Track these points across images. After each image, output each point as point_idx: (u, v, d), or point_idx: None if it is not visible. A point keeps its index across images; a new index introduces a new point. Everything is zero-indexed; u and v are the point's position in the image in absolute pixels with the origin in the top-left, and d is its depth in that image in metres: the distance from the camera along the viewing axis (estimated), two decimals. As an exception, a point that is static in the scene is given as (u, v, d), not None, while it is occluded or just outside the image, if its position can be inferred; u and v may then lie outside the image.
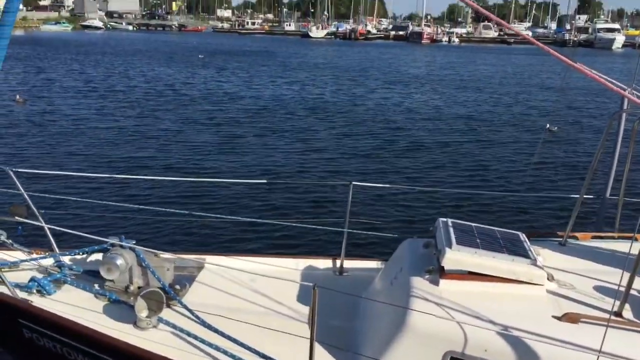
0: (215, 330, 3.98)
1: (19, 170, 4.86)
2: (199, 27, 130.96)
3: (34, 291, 4.37)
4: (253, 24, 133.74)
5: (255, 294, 4.72)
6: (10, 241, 4.79)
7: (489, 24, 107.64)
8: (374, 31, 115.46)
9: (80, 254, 4.89)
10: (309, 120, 19.85)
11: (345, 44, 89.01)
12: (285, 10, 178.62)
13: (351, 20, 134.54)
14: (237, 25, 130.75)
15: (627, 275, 3.48)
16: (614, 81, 4.87)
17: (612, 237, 4.99)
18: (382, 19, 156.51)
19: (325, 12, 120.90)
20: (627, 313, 3.56)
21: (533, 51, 63.31)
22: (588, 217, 7.58)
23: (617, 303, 3.50)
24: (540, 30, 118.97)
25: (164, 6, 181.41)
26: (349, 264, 5.41)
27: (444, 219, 4.48)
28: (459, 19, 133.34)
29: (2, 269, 4.29)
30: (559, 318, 3.50)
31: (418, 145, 16.26)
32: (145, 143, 15.37)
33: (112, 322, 4.14)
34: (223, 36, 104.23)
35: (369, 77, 36.65)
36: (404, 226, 9.46)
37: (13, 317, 4.17)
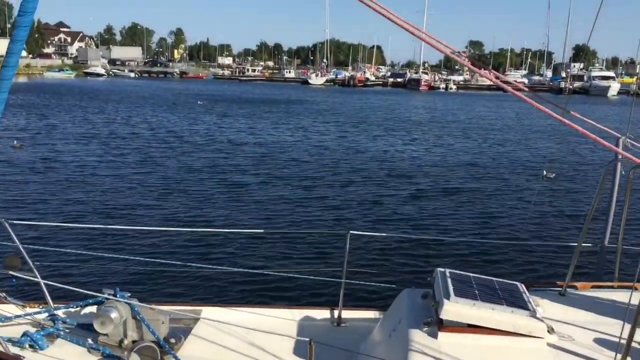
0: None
1: (14, 222, 4.84)
2: (200, 74, 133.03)
3: (27, 346, 4.29)
4: (254, 71, 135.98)
5: (251, 347, 4.64)
6: (4, 294, 4.74)
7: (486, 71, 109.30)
8: (373, 78, 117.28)
9: (75, 307, 4.83)
10: (308, 167, 19.93)
11: (344, 90, 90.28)
12: (285, 58, 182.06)
13: (350, 68, 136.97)
14: (237, 73, 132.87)
15: (627, 327, 3.43)
16: (608, 130, 4.93)
17: (612, 287, 4.95)
18: (381, 67, 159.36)
19: (325, 60, 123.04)
20: None
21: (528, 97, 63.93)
22: (587, 266, 7.55)
23: (619, 357, 3.45)
24: (536, 78, 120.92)
25: (166, 54, 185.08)
26: (347, 314, 5.35)
27: (442, 269, 4.45)
28: (456, 67, 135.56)
29: None
30: (559, 373, 3.44)
31: (416, 193, 16.28)
32: (142, 192, 15.36)
33: None
34: (224, 83, 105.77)
35: (369, 123, 37.05)
36: (402, 275, 9.39)
37: (4, 373, 4.09)
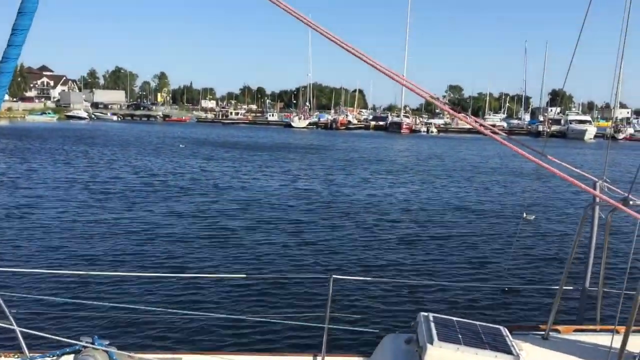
0: None
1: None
2: (183, 117, 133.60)
3: (0, 396, 4.17)
4: (237, 114, 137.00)
5: (232, 397, 4.55)
6: (-22, 343, 4.62)
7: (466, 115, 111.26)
8: (355, 121, 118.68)
9: (51, 356, 4.71)
10: (292, 210, 19.90)
11: (327, 133, 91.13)
12: (268, 101, 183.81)
13: (332, 111, 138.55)
14: (220, 116, 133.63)
15: None
16: (585, 174, 5.03)
17: (594, 330, 4.97)
18: (363, 110, 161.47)
19: (307, 103, 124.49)
20: None
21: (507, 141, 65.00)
22: (569, 309, 7.57)
23: None
24: (515, 122, 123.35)
25: (149, 97, 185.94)
26: None
27: (425, 313, 4.45)
28: (437, 110, 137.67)
29: None
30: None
31: (399, 236, 16.30)
32: (123, 237, 15.16)
33: None
34: (207, 126, 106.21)
35: (355, 166, 37.26)
36: (386, 320, 9.31)
37: None
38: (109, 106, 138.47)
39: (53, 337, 4.11)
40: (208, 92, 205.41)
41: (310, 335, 8.02)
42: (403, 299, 10.60)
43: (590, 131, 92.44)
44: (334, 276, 5.37)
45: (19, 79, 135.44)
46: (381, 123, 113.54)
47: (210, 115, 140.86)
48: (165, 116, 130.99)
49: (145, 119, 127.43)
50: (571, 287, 6.03)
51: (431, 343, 3.90)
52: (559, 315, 4.91)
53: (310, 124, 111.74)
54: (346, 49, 2.52)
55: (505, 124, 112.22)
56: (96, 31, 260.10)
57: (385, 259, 13.62)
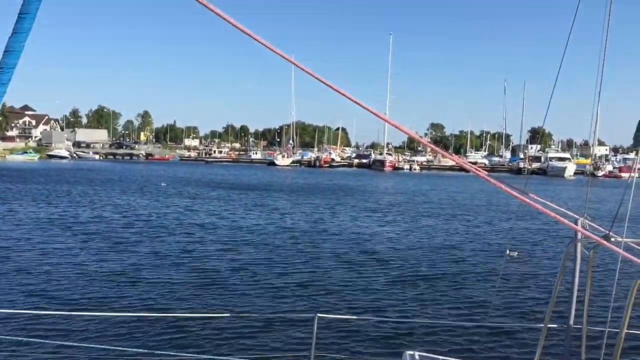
0: None
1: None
2: (166, 156, 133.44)
3: None
4: (220, 152, 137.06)
5: None
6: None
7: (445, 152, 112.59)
8: (338, 159, 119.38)
9: None
10: (276, 249, 19.75)
11: (311, 171, 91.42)
12: (251, 139, 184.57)
13: (316, 149, 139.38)
14: (204, 154, 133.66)
15: None
16: (566, 212, 5.07)
17: None
18: (346, 148, 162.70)
19: (291, 141, 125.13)
20: None
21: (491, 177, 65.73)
22: (555, 347, 7.52)
23: None
24: (496, 159, 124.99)
25: (132, 136, 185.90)
26: None
27: (411, 352, 4.41)
28: (419, 148, 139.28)
29: None
30: None
31: (384, 274, 16.23)
32: (105, 277, 14.90)
33: None
34: (190, 165, 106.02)
35: (338, 204, 37.22)
36: (372, 359, 9.19)
37: None
38: (91, 145, 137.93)
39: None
40: (191, 131, 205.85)
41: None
42: (389, 337, 10.49)
43: (570, 168, 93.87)
44: (318, 314, 5.32)
45: (0, 119, 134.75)
46: (364, 161, 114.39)
47: (193, 154, 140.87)
48: (148, 155, 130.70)
49: (128, 157, 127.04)
50: (556, 325, 6.01)
51: (417, 383, 3.85)
52: (544, 353, 4.87)
53: (293, 162, 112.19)
54: (329, 87, 2.55)
55: (486, 162, 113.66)
56: (79, 70, 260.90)
57: (370, 297, 13.52)
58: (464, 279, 15.75)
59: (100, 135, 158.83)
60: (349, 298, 13.39)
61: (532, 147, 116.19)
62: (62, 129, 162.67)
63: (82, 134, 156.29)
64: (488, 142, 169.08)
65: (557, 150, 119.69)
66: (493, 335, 10.73)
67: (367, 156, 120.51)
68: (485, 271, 16.92)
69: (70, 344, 7.99)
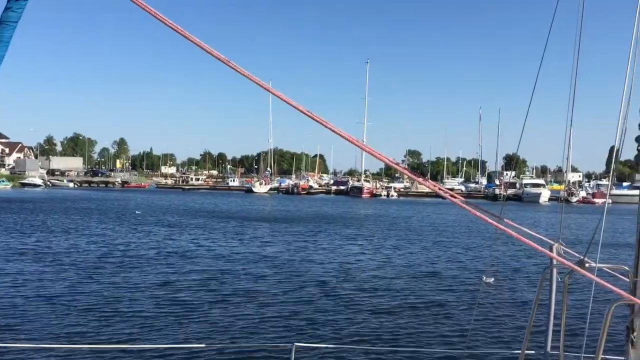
0: None
1: None
2: (142, 184, 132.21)
3: None
4: (197, 179, 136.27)
5: None
6: None
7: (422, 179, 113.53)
8: (316, 186, 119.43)
9: None
10: (254, 279, 19.55)
11: (289, 198, 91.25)
12: (229, 166, 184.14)
13: (293, 176, 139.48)
14: (181, 181, 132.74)
15: None
16: (542, 237, 5.11)
17: None
18: (323, 175, 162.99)
19: (269, 169, 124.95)
20: None
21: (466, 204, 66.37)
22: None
23: None
24: (472, 185, 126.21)
25: (108, 163, 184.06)
26: None
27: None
28: (396, 175, 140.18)
29: None
30: None
31: (363, 303, 16.15)
32: (80, 308, 14.60)
33: None
34: (167, 192, 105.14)
35: (318, 231, 37.11)
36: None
37: None
38: (66, 173, 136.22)
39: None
40: (168, 158, 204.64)
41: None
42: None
43: (545, 194, 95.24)
44: (296, 344, 5.25)
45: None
46: (342, 187, 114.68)
47: (170, 181, 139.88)
48: (124, 182, 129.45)
49: (104, 185, 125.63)
50: (533, 352, 6.00)
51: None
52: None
53: (271, 189, 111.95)
54: (306, 115, 2.56)
55: (463, 188, 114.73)
56: (54, 97, 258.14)
57: (349, 326, 13.42)
58: (443, 306, 15.73)
59: (75, 163, 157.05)
60: (328, 327, 13.27)
61: (507, 174, 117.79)
62: (36, 157, 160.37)
63: (57, 162, 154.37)
64: (464, 168, 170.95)
65: (532, 177, 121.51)
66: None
67: (345, 183, 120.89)
68: (463, 298, 16.93)
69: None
